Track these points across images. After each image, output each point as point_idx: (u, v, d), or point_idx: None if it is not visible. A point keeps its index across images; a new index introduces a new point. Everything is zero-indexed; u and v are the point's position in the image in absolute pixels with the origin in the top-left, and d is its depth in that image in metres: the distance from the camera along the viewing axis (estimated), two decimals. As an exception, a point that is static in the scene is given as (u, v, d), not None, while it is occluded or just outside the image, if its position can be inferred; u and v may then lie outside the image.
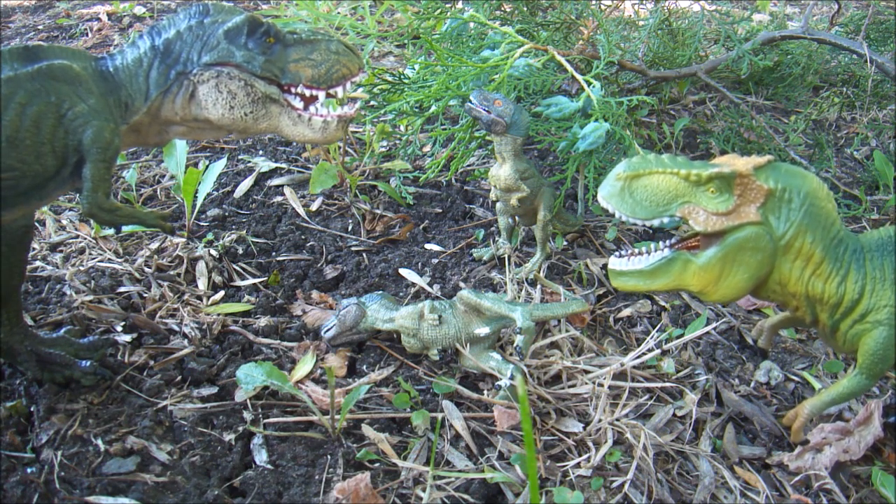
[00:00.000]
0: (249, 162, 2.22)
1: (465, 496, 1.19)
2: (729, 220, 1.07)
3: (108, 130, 1.13)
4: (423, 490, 1.19)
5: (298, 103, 1.23)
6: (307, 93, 1.22)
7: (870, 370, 1.17)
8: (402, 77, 1.86)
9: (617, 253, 1.16)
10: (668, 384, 1.43)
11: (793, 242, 1.10)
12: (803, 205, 1.08)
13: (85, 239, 1.82)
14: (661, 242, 1.14)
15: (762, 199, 1.07)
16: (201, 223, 1.92)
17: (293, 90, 1.22)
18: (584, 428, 1.32)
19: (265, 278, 1.73)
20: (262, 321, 1.57)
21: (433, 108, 1.77)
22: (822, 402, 1.25)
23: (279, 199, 2.05)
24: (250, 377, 1.33)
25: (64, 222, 1.89)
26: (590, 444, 1.30)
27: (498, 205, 1.73)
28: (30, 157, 1.08)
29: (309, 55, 1.21)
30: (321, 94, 1.23)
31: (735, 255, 1.08)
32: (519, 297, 1.65)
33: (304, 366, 1.43)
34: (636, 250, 1.15)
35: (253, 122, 1.21)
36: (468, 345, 1.44)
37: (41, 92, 1.08)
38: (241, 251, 1.82)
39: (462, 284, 1.71)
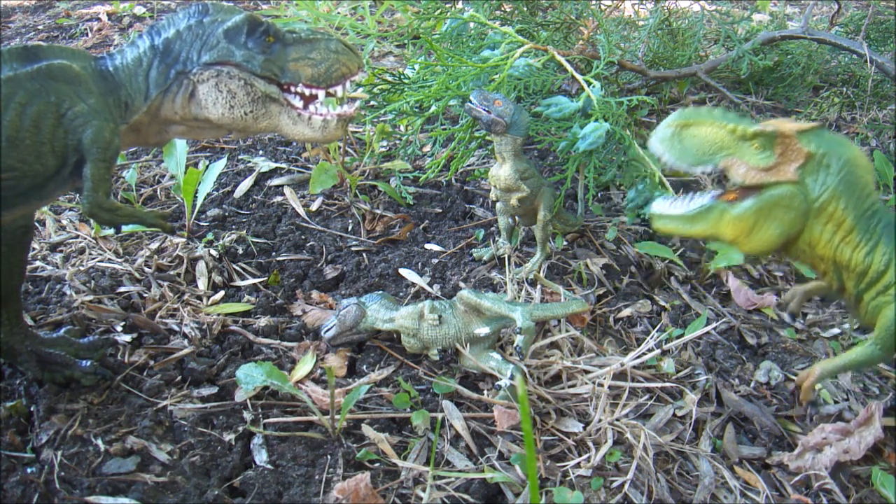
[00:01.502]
0: (249, 162, 2.22)
1: (465, 496, 1.18)
2: (767, 176, 1.11)
3: (107, 130, 1.12)
4: (423, 490, 1.19)
5: (298, 102, 1.23)
6: (307, 92, 1.22)
7: (884, 342, 1.19)
8: (402, 77, 1.86)
9: (662, 197, 1.21)
10: (668, 384, 1.43)
11: (826, 206, 1.13)
12: (841, 171, 1.11)
13: (85, 239, 1.82)
14: (703, 193, 1.18)
15: (801, 161, 1.11)
16: (201, 223, 1.92)
17: (293, 89, 1.22)
18: (584, 428, 1.32)
19: (265, 278, 1.73)
20: (262, 321, 1.57)
21: (433, 108, 1.77)
22: (834, 365, 1.27)
23: (279, 199, 2.05)
24: (250, 377, 1.33)
25: (64, 222, 1.89)
26: (590, 444, 1.30)
27: (498, 205, 1.73)
28: (30, 156, 1.08)
29: (308, 54, 1.21)
30: (321, 93, 1.23)
31: (769, 210, 1.12)
32: (519, 297, 1.65)
33: (304, 366, 1.43)
34: (679, 197, 1.19)
35: (253, 121, 1.21)
36: (468, 345, 1.44)
37: (41, 92, 1.08)
38: (241, 251, 1.82)
39: (462, 284, 1.71)
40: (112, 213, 1.16)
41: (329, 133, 1.24)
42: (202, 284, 1.68)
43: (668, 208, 1.18)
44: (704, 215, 1.15)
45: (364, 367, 1.46)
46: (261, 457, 1.25)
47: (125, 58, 1.19)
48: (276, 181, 2.13)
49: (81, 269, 1.70)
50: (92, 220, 1.85)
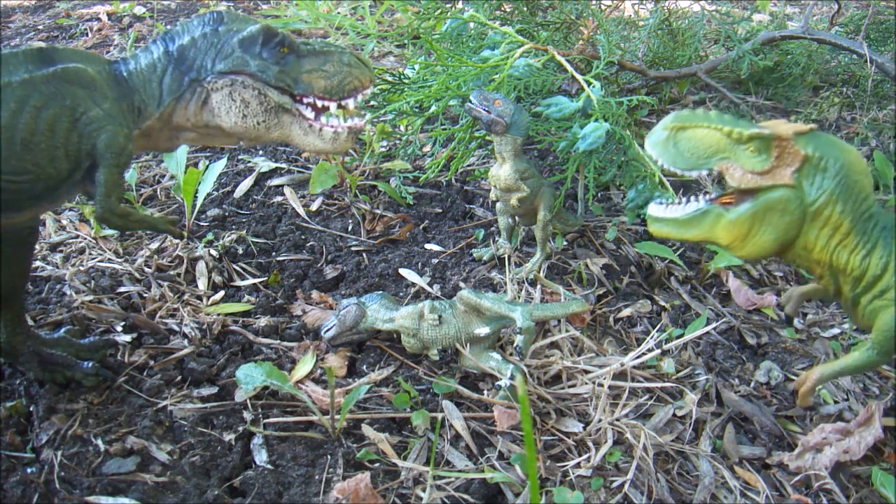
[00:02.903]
0: (249, 162, 2.22)
1: (465, 496, 1.19)
2: (763, 180, 1.09)
3: (122, 136, 1.13)
4: (423, 490, 1.19)
5: (310, 113, 1.23)
6: (319, 103, 1.22)
7: (881, 346, 1.18)
8: (402, 77, 1.86)
9: (657, 200, 1.19)
10: (668, 384, 1.43)
11: (822, 210, 1.11)
12: (838, 175, 1.09)
13: (85, 239, 1.82)
14: (699, 196, 1.16)
15: (798, 164, 1.09)
16: (201, 223, 1.93)
17: (305, 100, 1.22)
18: (584, 428, 1.32)
19: (265, 278, 1.73)
20: (262, 321, 1.57)
21: (433, 108, 1.77)
22: (832, 370, 1.26)
23: (279, 199, 2.05)
24: (250, 377, 1.33)
25: (64, 222, 1.89)
26: (590, 444, 1.30)
27: (498, 205, 1.73)
28: (44, 160, 1.08)
29: (322, 66, 1.21)
30: (333, 106, 1.23)
31: (764, 215, 1.10)
32: (519, 297, 1.65)
33: (304, 366, 1.43)
34: (675, 200, 1.17)
35: (265, 130, 1.21)
36: (468, 345, 1.44)
37: (56, 95, 1.08)
38: (241, 251, 1.82)
39: (462, 284, 1.71)
40: (124, 218, 1.17)
41: (339, 145, 1.25)
42: (202, 284, 1.68)
43: (663, 212, 1.17)
44: (700, 220, 1.13)
45: (364, 367, 1.46)
46: (261, 457, 1.25)
47: (139, 63, 1.19)
48: (276, 181, 2.13)
49: (81, 269, 1.70)
50: (92, 220, 1.85)
